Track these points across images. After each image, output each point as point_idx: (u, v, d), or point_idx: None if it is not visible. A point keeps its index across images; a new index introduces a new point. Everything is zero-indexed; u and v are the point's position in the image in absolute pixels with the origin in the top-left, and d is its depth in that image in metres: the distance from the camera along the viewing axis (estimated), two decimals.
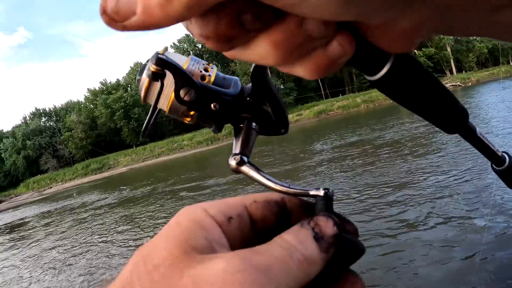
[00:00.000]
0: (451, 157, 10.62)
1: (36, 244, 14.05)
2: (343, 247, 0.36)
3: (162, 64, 0.43)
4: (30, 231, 18.12)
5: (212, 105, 0.47)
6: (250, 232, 0.37)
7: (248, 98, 0.51)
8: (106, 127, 73.64)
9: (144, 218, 13.17)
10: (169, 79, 0.45)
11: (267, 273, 0.28)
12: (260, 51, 0.30)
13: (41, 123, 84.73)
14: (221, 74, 0.53)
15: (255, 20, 0.28)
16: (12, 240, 16.62)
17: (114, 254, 9.77)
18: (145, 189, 22.06)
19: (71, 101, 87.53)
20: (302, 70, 0.33)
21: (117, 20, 0.27)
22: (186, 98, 0.45)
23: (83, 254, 10.60)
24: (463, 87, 58.79)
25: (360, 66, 0.39)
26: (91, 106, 77.47)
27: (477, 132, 0.47)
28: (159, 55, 0.44)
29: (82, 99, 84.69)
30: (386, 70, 0.37)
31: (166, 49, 0.51)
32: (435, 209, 6.67)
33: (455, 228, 5.65)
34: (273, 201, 0.39)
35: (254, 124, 0.50)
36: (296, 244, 0.32)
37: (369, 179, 10.60)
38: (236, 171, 0.47)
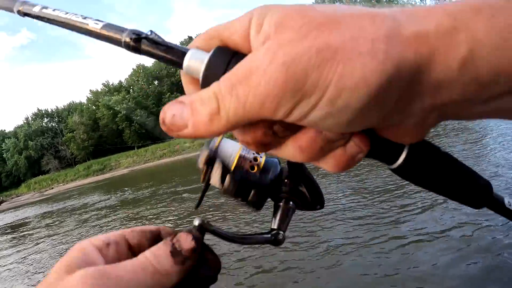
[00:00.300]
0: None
1: (37, 244, 14.06)
2: (202, 262, 0.44)
3: (209, 161, 0.52)
4: (32, 231, 18.12)
5: (252, 191, 0.52)
6: (128, 254, 0.45)
7: (286, 180, 0.55)
8: (108, 129, 73.68)
9: (146, 219, 13.18)
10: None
11: (117, 281, 0.37)
12: (290, 152, 0.37)
13: (43, 123, 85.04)
14: (268, 159, 0.55)
15: (285, 130, 0.35)
16: (13, 240, 16.63)
17: None
18: (146, 190, 22.06)
19: (73, 102, 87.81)
20: (326, 166, 0.38)
21: (173, 130, 0.34)
22: (230, 187, 0.51)
23: None
24: None
25: (378, 157, 0.42)
26: (93, 107, 77.66)
27: (505, 202, 0.47)
28: (210, 150, 0.53)
29: (84, 100, 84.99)
30: (403, 159, 0.40)
31: (221, 138, 0.55)
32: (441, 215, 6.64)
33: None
34: (148, 230, 0.49)
35: (291, 202, 0.55)
36: (151, 258, 0.40)
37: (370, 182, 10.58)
38: (277, 245, 0.54)
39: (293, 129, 0.34)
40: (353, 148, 0.36)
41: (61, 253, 11.58)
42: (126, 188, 26.56)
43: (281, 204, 0.55)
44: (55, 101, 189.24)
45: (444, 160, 0.43)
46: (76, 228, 15.37)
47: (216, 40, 0.37)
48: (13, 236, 18.18)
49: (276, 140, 0.36)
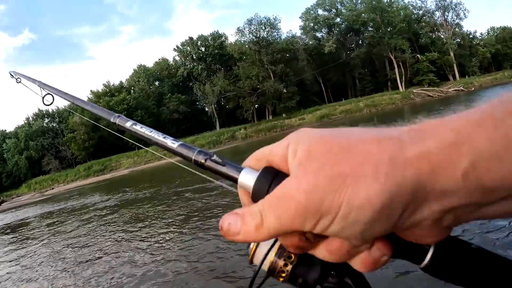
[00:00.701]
0: None
1: (36, 244, 14.07)
2: None
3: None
4: (32, 231, 18.14)
5: (299, 279, 0.55)
6: None
7: (332, 272, 0.56)
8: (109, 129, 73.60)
9: (148, 219, 13.18)
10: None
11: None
12: (322, 254, 0.46)
13: (44, 124, 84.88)
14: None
15: (315, 237, 0.44)
16: (13, 240, 16.64)
17: (118, 253, 9.79)
18: (148, 191, 22.08)
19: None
20: (355, 265, 0.45)
21: (229, 235, 0.45)
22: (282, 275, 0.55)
23: (85, 254, 10.61)
24: (466, 92, 58.70)
25: (405, 257, 0.45)
26: None
27: None
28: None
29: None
30: (429, 258, 0.43)
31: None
32: None
33: None
34: None
35: None
36: None
37: None
38: None
39: (322, 236, 0.43)
40: (376, 252, 0.43)
41: (60, 253, 11.60)
42: (127, 189, 26.58)
43: None
44: (55, 102, 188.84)
45: (476, 255, 0.43)
46: (77, 228, 15.37)
47: (263, 161, 0.49)
48: (13, 236, 18.18)
49: (310, 244, 0.45)
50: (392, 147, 0.38)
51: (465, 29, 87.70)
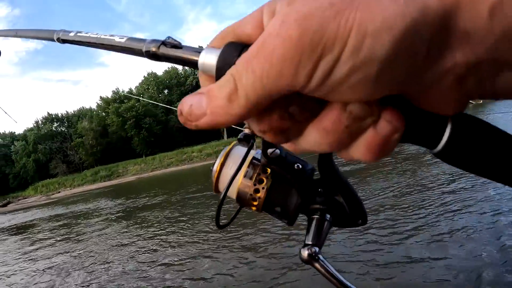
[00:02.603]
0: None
1: (45, 246, 14.38)
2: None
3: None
4: (37, 233, 18.46)
5: (277, 208, 0.51)
6: None
7: (319, 189, 0.51)
8: (117, 135, 74.27)
9: (153, 227, 13.48)
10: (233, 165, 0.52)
11: None
12: (313, 139, 0.33)
13: (53, 128, 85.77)
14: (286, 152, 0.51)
15: (302, 110, 0.32)
16: (19, 240, 16.96)
17: (120, 257, 10.09)
18: (154, 198, 22.37)
19: (83, 107, 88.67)
20: (358, 154, 0.34)
21: (191, 121, 0.34)
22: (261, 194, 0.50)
23: (88, 258, 10.92)
24: (474, 105, 58.48)
25: (419, 140, 0.36)
26: (103, 114, 78.40)
27: None
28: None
29: (94, 106, 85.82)
30: (447, 138, 0.34)
31: (232, 145, 0.56)
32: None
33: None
34: None
35: (328, 215, 0.50)
36: None
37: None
38: (307, 262, 0.47)
39: (312, 109, 0.33)
40: (385, 127, 0.32)
41: (64, 255, 11.93)
42: (134, 195, 26.87)
43: (315, 217, 0.50)
44: (65, 106, 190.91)
45: (497, 136, 0.35)
46: (83, 232, 15.69)
47: (230, 37, 0.37)
48: (20, 237, 18.49)
49: (295, 126, 0.34)
50: None
51: None
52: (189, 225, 12.48)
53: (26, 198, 65.25)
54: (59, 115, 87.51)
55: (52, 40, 0.80)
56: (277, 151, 0.50)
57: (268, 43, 0.29)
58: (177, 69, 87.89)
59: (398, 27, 0.26)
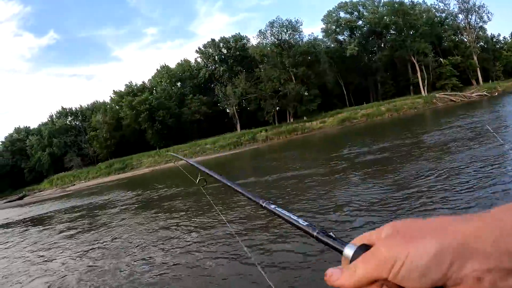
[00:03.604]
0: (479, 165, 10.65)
1: (57, 237, 14.37)
2: None
3: None
4: (57, 224, 18.48)
5: None
6: None
7: None
8: (130, 128, 74.46)
9: (169, 217, 13.36)
10: None
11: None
12: None
13: (67, 122, 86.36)
14: None
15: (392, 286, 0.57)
16: (34, 232, 16.97)
17: (135, 247, 9.98)
18: (169, 189, 22.30)
19: (97, 101, 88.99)
20: None
21: (330, 281, 0.63)
22: None
23: (102, 248, 10.82)
24: (489, 97, 57.88)
25: None
26: (117, 107, 78.64)
27: None
28: None
29: (108, 100, 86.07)
30: None
31: None
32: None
33: None
34: None
35: None
36: None
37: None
38: None
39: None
40: None
41: (80, 245, 11.87)
42: (149, 187, 26.88)
43: None
44: (79, 100, 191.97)
45: None
46: (98, 222, 15.64)
47: (365, 240, 0.65)
48: (35, 229, 18.51)
49: None
50: (447, 224, 0.56)
51: (488, 32, 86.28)
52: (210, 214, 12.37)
53: (41, 191, 65.90)
54: (73, 109, 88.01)
55: (258, 204, 1.12)
56: None
57: (373, 255, 0.59)
58: (189, 61, 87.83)
59: (431, 250, 0.53)
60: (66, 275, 9.07)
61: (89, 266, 9.52)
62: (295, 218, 0.88)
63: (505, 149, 12.59)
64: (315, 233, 0.77)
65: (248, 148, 52.65)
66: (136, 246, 10.39)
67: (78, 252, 11.30)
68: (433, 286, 0.54)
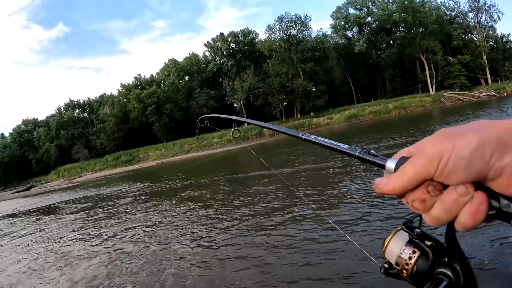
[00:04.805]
0: None
1: (55, 229, 14.51)
2: None
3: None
4: (60, 215, 18.63)
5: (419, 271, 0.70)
6: None
7: (445, 258, 0.67)
8: (138, 121, 74.62)
9: (177, 209, 13.46)
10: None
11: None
12: (438, 210, 0.60)
13: (75, 114, 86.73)
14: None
15: (434, 189, 0.59)
16: (35, 225, 17.11)
17: (142, 237, 10.09)
18: (176, 182, 22.40)
19: (104, 94, 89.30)
20: (463, 219, 0.58)
21: (378, 188, 0.65)
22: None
23: (108, 238, 10.94)
24: (497, 97, 57.58)
25: (499, 215, 0.57)
26: (124, 100, 78.82)
27: None
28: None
29: (115, 93, 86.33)
30: None
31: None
32: None
33: None
34: None
35: (444, 283, 0.65)
36: None
37: None
38: None
39: (439, 190, 0.59)
40: (476, 202, 0.57)
41: (85, 236, 11.99)
42: (155, 179, 26.99)
43: (438, 278, 0.66)
44: (87, 93, 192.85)
45: None
46: (104, 213, 15.75)
47: (404, 153, 0.66)
48: (43, 219, 18.63)
49: (430, 200, 0.60)
50: (484, 124, 0.59)
51: (498, 32, 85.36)
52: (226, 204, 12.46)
53: (48, 182, 66.34)
54: (81, 101, 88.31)
55: (298, 137, 1.23)
56: (419, 231, 0.70)
57: (421, 154, 0.60)
58: (197, 55, 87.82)
59: (474, 142, 0.56)
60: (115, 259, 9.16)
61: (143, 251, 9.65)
62: (335, 143, 0.91)
63: None
64: (357, 153, 0.80)
65: (255, 143, 52.55)
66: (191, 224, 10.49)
67: (124, 235, 11.43)
68: (476, 178, 0.56)
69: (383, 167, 0.70)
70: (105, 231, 12.14)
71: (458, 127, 0.61)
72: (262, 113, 74.23)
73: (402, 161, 0.64)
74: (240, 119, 2.35)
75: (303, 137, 1.15)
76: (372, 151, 0.77)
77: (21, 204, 33.19)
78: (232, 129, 2.54)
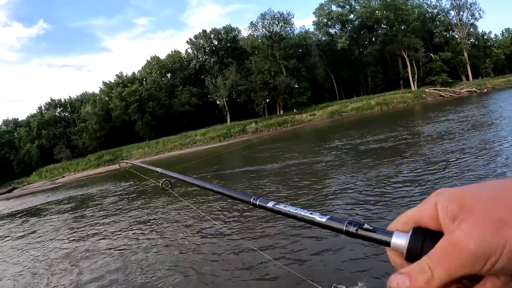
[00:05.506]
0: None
1: (48, 229, 14.33)
2: None
3: None
4: (43, 217, 18.41)
5: None
6: None
7: None
8: (120, 120, 74.07)
9: (158, 208, 13.38)
10: None
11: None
12: None
13: (56, 113, 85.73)
14: None
15: (470, 281, 0.48)
16: (26, 227, 16.89)
17: (127, 235, 10.02)
18: (158, 181, 22.28)
19: (86, 92, 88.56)
20: None
21: None
22: None
23: (99, 238, 10.85)
24: (478, 93, 58.42)
25: None
26: (106, 98, 78.12)
27: None
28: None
29: (97, 91, 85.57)
30: None
31: None
32: None
33: None
34: None
35: None
36: None
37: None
38: None
39: (474, 280, 0.50)
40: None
41: (70, 237, 11.84)
42: (139, 178, 26.82)
43: None
44: (68, 91, 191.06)
45: None
46: (89, 213, 15.62)
47: (411, 223, 0.54)
48: (26, 222, 18.42)
49: None
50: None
51: (480, 29, 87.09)
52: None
53: (30, 184, 65.44)
54: (62, 100, 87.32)
55: (249, 203, 0.99)
56: None
57: (456, 250, 0.46)
58: (180, 52, 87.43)
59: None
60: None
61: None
62: (306, 213, 0.75)
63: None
64: (344, 227, 0.65)
65: (238, 140, 52.57)
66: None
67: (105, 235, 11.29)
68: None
69: (387, 244, 0.57)
70: (93, 231, 12.12)
71: (492, 194, 0.49)
72: (245, 110, 74.41)
73: (416, 238, 0.53)
74: (166, 172, 2.39)
75: (257, 203, 0.96)
76: (366, 225, 0.63)
77: (4, 206, 32.69)
78: (162, 181, 2.51)
